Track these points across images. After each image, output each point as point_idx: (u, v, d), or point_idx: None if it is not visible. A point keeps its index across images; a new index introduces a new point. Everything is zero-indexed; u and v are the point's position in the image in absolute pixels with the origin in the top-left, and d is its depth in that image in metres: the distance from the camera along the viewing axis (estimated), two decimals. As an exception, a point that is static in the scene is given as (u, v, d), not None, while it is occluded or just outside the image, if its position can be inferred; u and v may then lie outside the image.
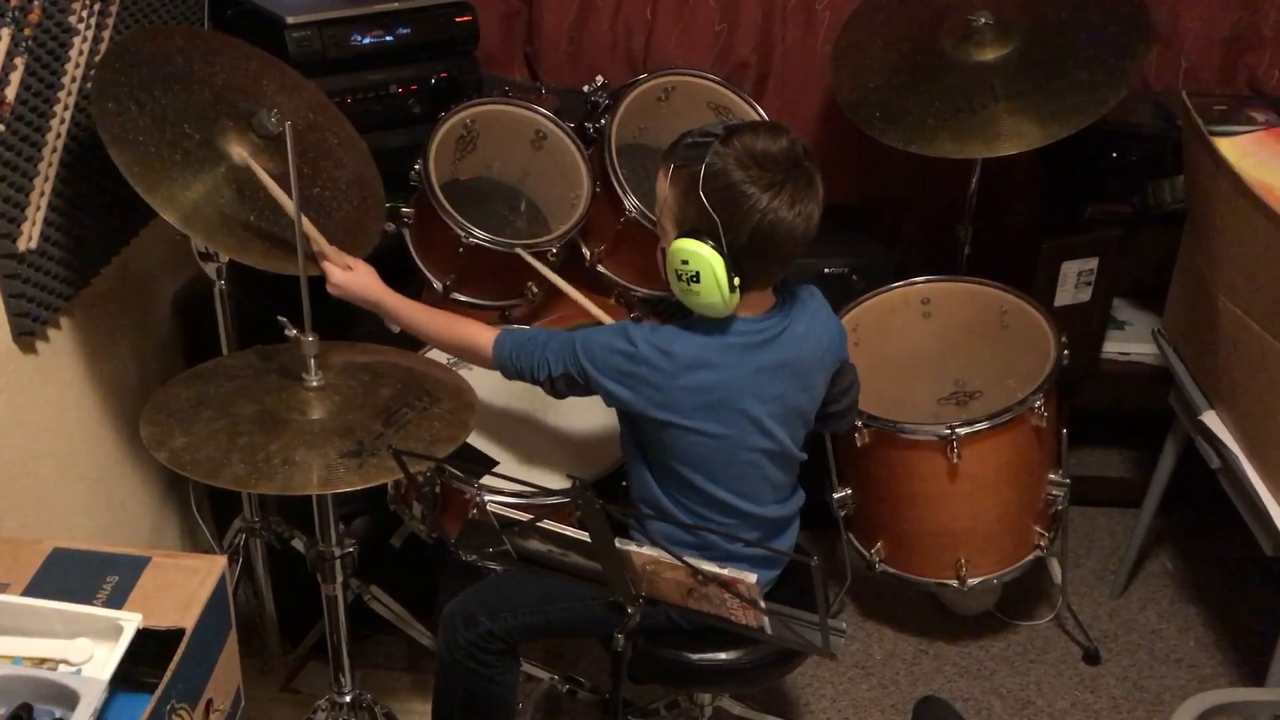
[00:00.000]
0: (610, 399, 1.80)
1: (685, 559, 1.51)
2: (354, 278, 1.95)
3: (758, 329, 1.78)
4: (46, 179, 1.88)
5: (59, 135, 1.91)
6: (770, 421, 1.81)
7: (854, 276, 2.59)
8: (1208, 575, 2.80)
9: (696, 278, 1.68)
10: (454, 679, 1.96)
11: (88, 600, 1.48)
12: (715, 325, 1.77)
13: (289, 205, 1.85)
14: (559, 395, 1.87)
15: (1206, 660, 2.57)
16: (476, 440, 2.13)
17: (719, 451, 1.79)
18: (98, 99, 1.81)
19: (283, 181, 1.85)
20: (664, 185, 1.75)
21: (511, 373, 1.89)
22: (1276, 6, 2.80)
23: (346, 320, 2.18)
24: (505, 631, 1.91)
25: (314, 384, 1.80)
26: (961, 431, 2.23)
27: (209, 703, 1.52)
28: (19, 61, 1.79)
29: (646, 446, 1.85)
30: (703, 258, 1.67)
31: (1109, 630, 2.64)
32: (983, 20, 2.47)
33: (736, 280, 1.68)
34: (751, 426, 1.80)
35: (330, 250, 1.93)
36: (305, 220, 1.86)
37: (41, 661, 1.41)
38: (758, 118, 2.42)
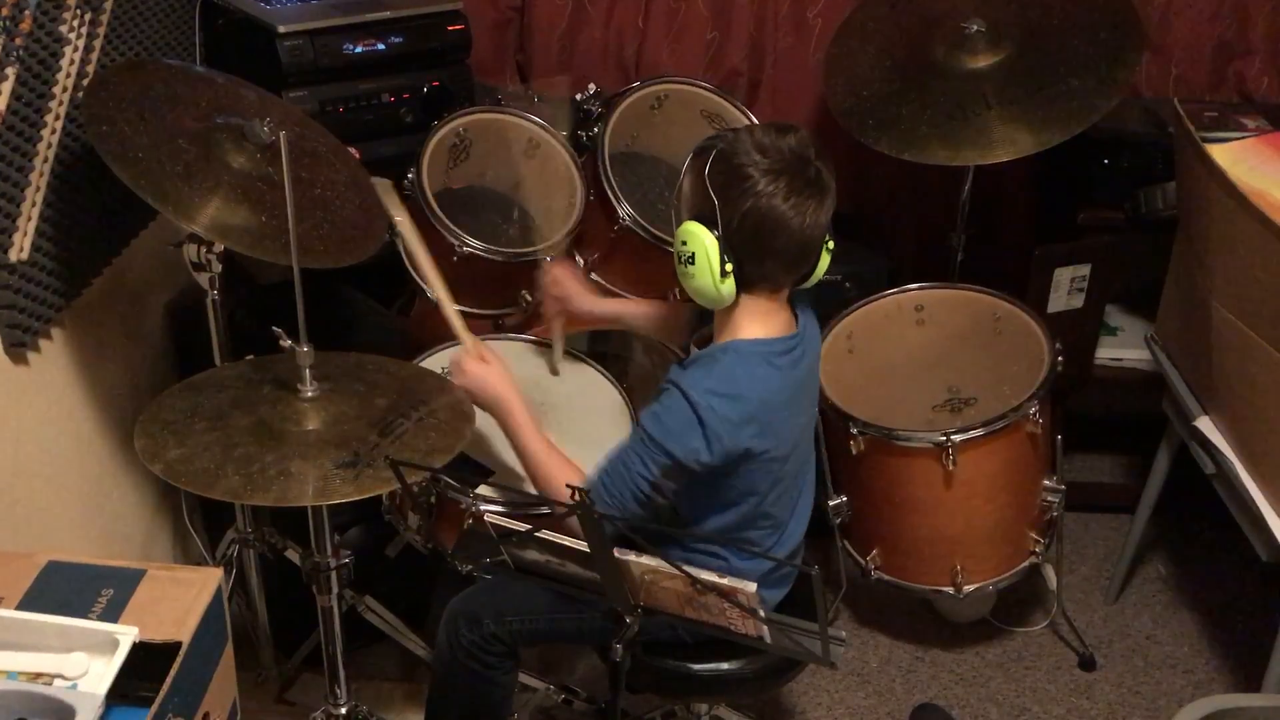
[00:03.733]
0: (709, 465, 1.73)
1: (684, 568, 1.51)
2: (490, 375, 1.87)
3: (793, 345, 1.79)
4: (38, 189, 1.87)
5: (50, 145, 1.90)
6: (806, 430, 1.86)
7: (847, 284, 2.59)
8: (1202, 580, 2.80)
9: (692, 259, 1.71)
10: (453, 677, 1.95)
11: (83, 614, 1.47)
12: (761, 350, 1.76)
13: (432, 274, 1.91)
14: (666, 498, 1.76)
15: (1202, 666, 2.57)
16: (473, 450, 2.12)
17: (774, 467, 1.79)
18: (91, 124, 1.80)
19: (280, 186, 1.84)
20: (683, 175, 1.78)
21: (612, 502, 1.76)
22: (1265, 15, 2.82)
23: (341, 331, 2.17)
24: (510, 635, 1.91)
25: (309, 395, 1.79)
26: (957, 439, 2.23)
27: (205, 716, 1.51)
28: (10, 71, 1.79)
29: (717, 495, 1.81)
30: (698, 239, 1.69)
31: (1104, 636, 2.64)
32: (975, 28, 2.47)
33: (729, 267, 1.70)
34: (802, 438, 1.84)
35: (467, 335, 1.90)
36: (449, 306, 1.88)
37: (37, 676, 1.40)
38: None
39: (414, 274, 2.22)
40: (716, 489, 1.79)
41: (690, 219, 1.72)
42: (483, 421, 2.10)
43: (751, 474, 1.77)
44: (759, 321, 1.77)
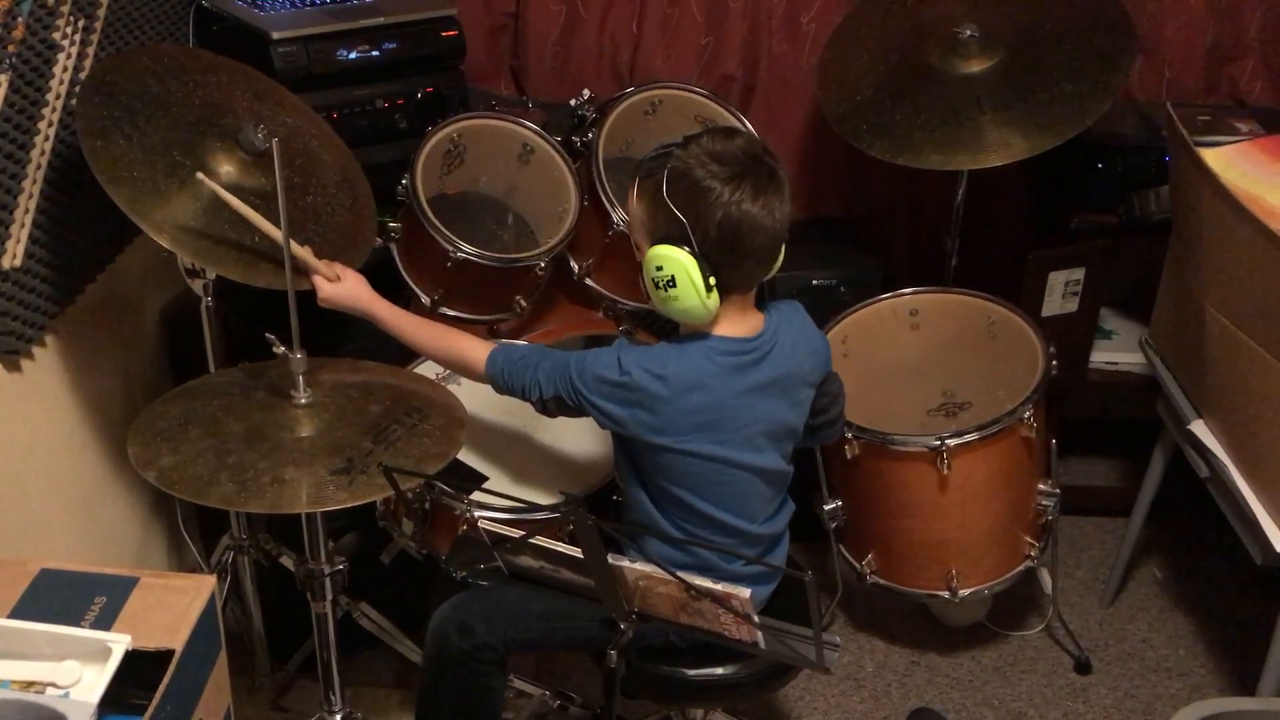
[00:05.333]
0: (604, 423, 1.80)
1: (678, 574, 1.50)
2: (343, 289, 1.94)
3: (749, 348, 1.78)
4: (31, 196, 1.87)
5: (43, 152, 1.90)
6: (762, 439, 1.82)
7: (842, 288, 2.60)
8: (1197, 584, 2.80)
9: (673, 282, 1.70)
10: (443, 684, 1.95)
11: (76, 622, 1.47)
12: (707, 344, 1.77)
13: (269, 228, 1.84)
14: (550, 415, 1.87)
15: (1197, 669, 2.57)
16: (467, 456, 2.12)
17: (713, 471, 1.79)
18: (85, 137, 1.79)
19: (274, 197, 1.85)
20: (633, 202, 1.78)
21: (502, 389, 1.88)
22: (1258, 18, 2.82)
23: (335, 337, 2.17)
24: (502, 644, 1.90)
25: (302, 401, 1.79)
26: (951, 443, 2.23)
27: (199, 724, 1.51)
28: (3, 78, 1.79)
29: (641, 469, 1.85)
30: (676, 261, 1.68)
31: (1099, 640, 2.64)
32: (968, 33, 2.48)
33: (712, 280, 1.70)
34: (744, 445, 1.80)
35: (317, 263, 1.92)
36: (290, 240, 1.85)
37: (29, 685, 1.40)
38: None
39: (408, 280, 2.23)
40: (637, 465, 1.84)
41: (657, 243, 1.71)
42: (476, 428, 2.10)
43: (685, 466, 1.78)
44: (725, 325, 1.78)
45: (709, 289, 1.70)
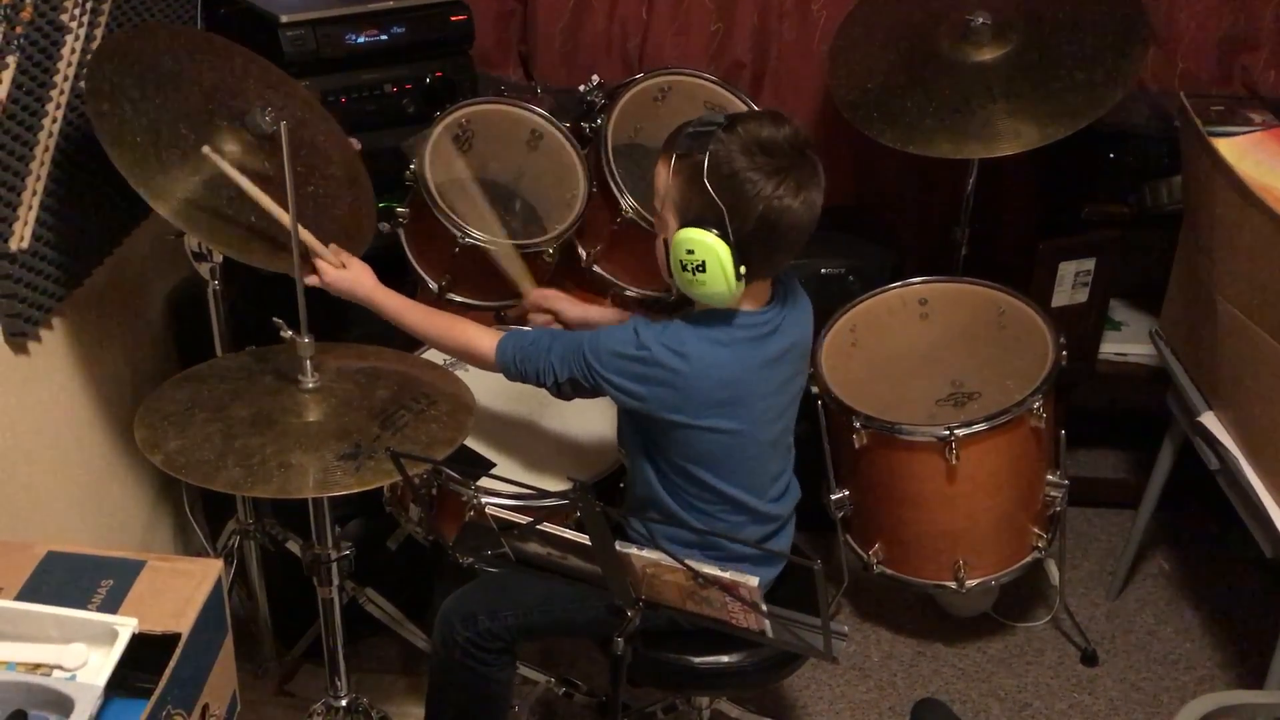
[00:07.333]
0: (622, 400, 1.78)
1: (686, 562, 1.50)
2: (346, 275, 1.93)
3: (763, 321, 1.77)
4: (38, 178, 1.87)
5: (51, 134, 1.90)
6: (775, 410, 1.82)
7: (851, 277, 2.59)
8: (1205, 576, 2.80)
9: (702, 267, 1.67)
10: (450, 676, 1.95)
11: (82, 604, 1.47)
12: (723, 320, 1.76)
13: (277, 211, 1.83)
14: (565, 398, 1.85)
15: (1204, 662, 2.57)
16: (474, 442, 2.12)
17: (730, 447, 1.78)
18: (92, 99, 1.79)
19: (277, 181, 1.84)
20: (664, 176, 1.74)
21: (515, 376, 1.87)
22: (1273, 7, 2.80)
23: (342, 321, 2.17)
24: (506, 631, 1.90)
25: (310, 386, 1.79)
26: (960, 433, 2.22)
27: (205, 708, 1.51)
28: (11, 60, 1.78)
29: (653, 446, 1.83)
30: (709, 247, 1.66)
31: (1106, 632, 2.64)
32: (980, 20, 2.46)
33: (743, 269, 1.68)
34: (760, 417, 1.80)
35: (322, 248, 1.91)
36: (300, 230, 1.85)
37: (36, 667, 1.40)
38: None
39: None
40: (649, 442, 1.82)
41: (689, 225, 1.68)
42: (484, 414, 2.09)
43: (702, 442, 1.77)
44: (749, 302, 1.77)
45: (739, 277, 1.68)
